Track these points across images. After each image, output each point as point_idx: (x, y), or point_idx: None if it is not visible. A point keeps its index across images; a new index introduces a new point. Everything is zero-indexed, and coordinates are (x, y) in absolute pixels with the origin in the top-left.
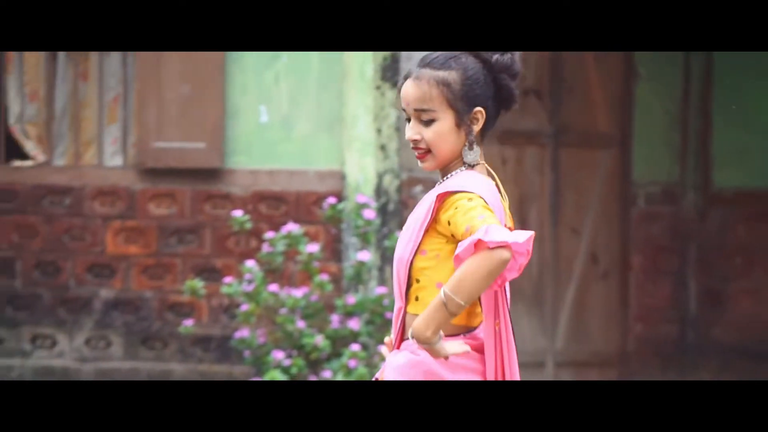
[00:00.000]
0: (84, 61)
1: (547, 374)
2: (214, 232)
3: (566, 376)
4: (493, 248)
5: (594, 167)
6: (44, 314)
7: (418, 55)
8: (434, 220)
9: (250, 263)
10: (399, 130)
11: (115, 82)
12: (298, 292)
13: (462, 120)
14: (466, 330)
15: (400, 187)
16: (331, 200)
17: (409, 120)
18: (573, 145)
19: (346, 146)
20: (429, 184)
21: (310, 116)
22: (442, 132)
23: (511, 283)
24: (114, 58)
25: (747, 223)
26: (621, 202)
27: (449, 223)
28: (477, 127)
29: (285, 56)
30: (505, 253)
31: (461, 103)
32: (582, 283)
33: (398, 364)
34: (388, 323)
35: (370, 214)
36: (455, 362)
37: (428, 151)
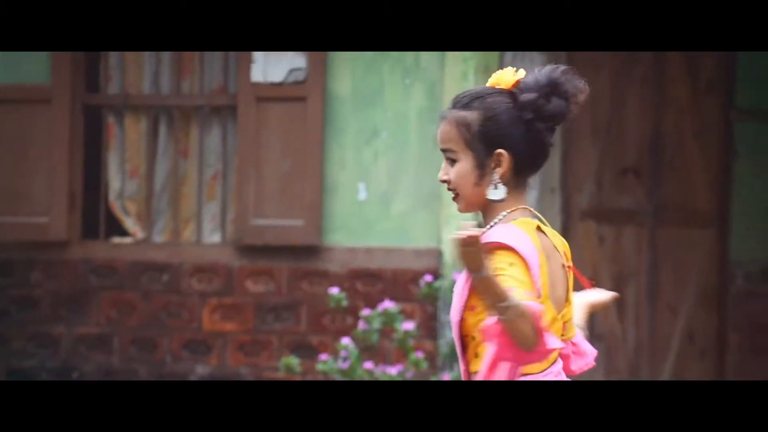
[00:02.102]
0: (184, 137)
1: None
2: (310, 309)
3: None
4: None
5: (692, 246)
6: None
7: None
8: None
9: (345, 340)
10: None
11: (214, 159)
12: (393, 370)
13: (482, 161)
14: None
15: None
16: (428, 278)
17: None
18: (671, 223)
19: (443, 223)
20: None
21: (409, 193)
22: (463, 173)
23: (608, 360)
24: (215, 135)
25: None
26: (719, 281)
27: None
28: (501, 170)
29: (384, 132)
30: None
31: (479, 144)
32: (678, 362)
33: None
34: None
35: None
36: None
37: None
